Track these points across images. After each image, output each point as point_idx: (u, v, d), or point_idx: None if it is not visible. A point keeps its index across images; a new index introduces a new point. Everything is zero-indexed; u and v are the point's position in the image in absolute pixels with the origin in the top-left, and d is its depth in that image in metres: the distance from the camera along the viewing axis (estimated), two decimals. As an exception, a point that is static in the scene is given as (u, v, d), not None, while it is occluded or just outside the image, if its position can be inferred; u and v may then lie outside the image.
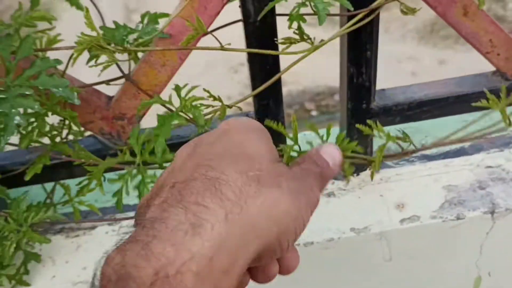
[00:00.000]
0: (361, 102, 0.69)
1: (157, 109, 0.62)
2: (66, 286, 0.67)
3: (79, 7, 0.56)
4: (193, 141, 0.38)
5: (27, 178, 0.62)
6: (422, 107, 0.71)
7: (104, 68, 0.55)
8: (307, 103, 2.13)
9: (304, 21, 0.56)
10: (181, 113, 0.57)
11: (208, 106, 0.59)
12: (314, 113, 2.10)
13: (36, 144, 0.64)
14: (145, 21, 0.60)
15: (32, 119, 0.59)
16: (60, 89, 0.52)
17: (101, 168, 0.63)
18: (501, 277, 0.77)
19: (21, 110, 0.50)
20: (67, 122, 0.65)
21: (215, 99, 0.59)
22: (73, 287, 0.67)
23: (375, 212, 0.72)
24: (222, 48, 0.57)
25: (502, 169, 0.76)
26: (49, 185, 0.74)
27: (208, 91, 0.58)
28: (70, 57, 0.56)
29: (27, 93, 0.50)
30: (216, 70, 2.12)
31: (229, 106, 0.61)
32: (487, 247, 0.74)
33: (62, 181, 0.71)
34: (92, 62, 0.56)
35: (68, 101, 0.52)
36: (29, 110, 0.52)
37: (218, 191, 0.32)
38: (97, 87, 0.65)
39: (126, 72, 0.63)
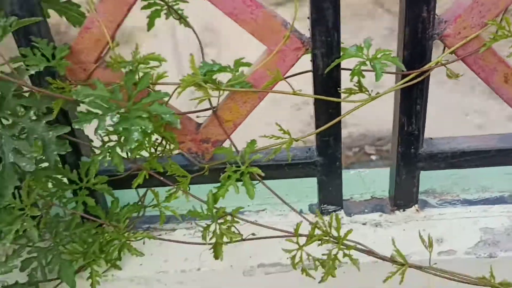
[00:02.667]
0: (410, 148, 0.80)
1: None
2: (151, 273, 0.82)
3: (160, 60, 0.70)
4: None
5: (134, 186, 0.78)
6: (464, 157, 0.81)
7: (201, 101, 0.71)
8: (367, 147, 2.21)
9: (363, 76, 0.69)
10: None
11: (277, 137, 0.72)
12: (373, 157, 2.17)
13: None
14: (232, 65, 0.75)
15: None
16: (167, 115, 0.68)
17: (187, 179, 0.77)
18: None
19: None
20: (163, 142, 0.81)
21: (284, 132, 0.72)
22: (156, 275, 0.82)
23: (416, 244, 0.81)
24: (295, 93, 0.70)
25: (537, 219, 0.83)
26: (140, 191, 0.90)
27: (279, 125, 0.72)
28: (174, 91, 0.72)
29: (143, 115, 0.66)
30: (281, 106, 2.26)
31: (296, 140, 0.74)
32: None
33: (152, 188, 0.87)
34: (191, 96, 0.72)
35: (171, 125, 0.68)
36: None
37: None
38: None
39: (214, 104, 0.78)
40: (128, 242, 0.78)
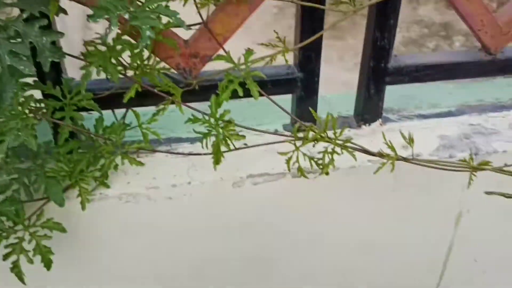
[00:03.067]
0: (380, 62, 0.88)
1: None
2: (140, 189, 0.82)
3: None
4: None
5: (125, 100, 0.77)
6: (426, 70, 0.91)
7: (202, 6, 0.72)
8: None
9: (354, -15, 0.75)
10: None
11: (274, 45, 0.76)
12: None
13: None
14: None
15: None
16: (173, 17, 0.68)
17: (180, 91, 0.79)
18: (479, 214, 0.97)
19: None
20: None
21: (280, 40, 0.76)
22: (146, 191, 0.82)
23: (385, 151, 0.90)
24: (291, 0, 0.75)
25: (481, 127, 0.96)
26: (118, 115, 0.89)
27: (277, 32, 0.76)
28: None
29: (152, 16, 0.66)
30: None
31: (290, 50, 0.78)
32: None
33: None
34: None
35: (179, 26, 0.69)
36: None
37: None
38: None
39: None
40: (125, 153, 0.77)
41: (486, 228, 1.00)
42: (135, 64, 0.78)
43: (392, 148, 0.77)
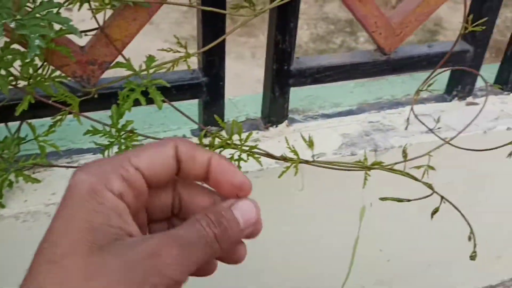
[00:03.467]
0: (283, 65, 0.90)
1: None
2: (39, 207, 0.77)
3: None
4: None
5: (17, 113, 0.71)
6: (326, 72, 0.93)
7: (97, 12, 0.69)
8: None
9: (253, -10, 0.75)
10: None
11: (175, 50, 0.74)
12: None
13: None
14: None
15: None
16: (65, 25, 0.64)
17: (77, 101, 0.75)
18: (381, 206, 1.02)
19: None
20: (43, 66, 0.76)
21: (181, 45, 0.75)
22: (46, 208, 0.77)
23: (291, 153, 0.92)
24: (190, 5, 0.73)
25: (380, 124, 1.01)
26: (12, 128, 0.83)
27: (177, 37, 0.74)
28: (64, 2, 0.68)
29: (41, 23, 0.62)
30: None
31: (192, 55, 0.77)
32: (370, 181, 0.98)
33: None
34: (82, 6, 0.69)
35: (72, 33, 0.65)
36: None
37: None
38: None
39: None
40: (19, 170, 0.72)
41: (388, 220, 1.06)
42: (27, 75, 0.73)
43: (294, 152, 0.78)
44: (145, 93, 0.73)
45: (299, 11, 0.85)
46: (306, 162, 0.81)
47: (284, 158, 0.80)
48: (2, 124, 0.81)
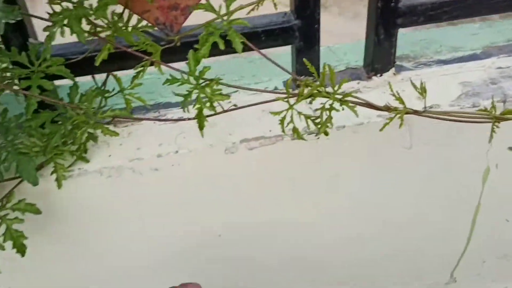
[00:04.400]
0: (389, 1, 0.76)
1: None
2: (123, 162, 0.74)
3: None
4: None
5: (96, 63, 0.68)
6: (443, 8, 0.78)
7: None
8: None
9: None
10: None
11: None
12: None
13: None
14: None
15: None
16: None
17: (159, 50, 0.69)
18: (508, 167, 0.86)
19: None
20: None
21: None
22: (130, 163, 0.74)
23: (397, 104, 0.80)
24: None
25: (511, 70, 0.84)
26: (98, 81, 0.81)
27: (261, -27, 0.65)
28: None
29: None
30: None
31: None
32: (496, 138, 0.82)
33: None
34: None
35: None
36: None
37: None
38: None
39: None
40: (98, 123, 0.69)
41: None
42: (107, 22, 0.69)
43: (400, 100, 0.66)
44: (225, 38, 0.65)
45: None
46: (415, 112, 0.68)
47: (387, 108, 0.69)
48: (90, 78, 0.79)
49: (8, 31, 0.70)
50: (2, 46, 0.72)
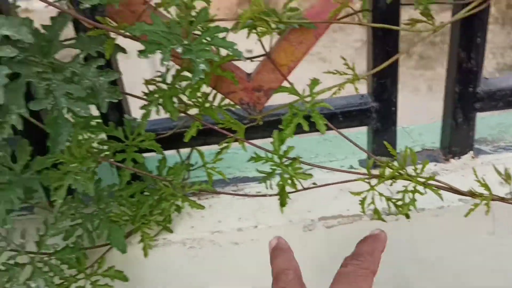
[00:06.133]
0: (468, 87, 0.78)
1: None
2: (205, 234, 0.77)
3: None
4: None
5: (186, 139, 0.72)
6: (523, 93, 0.79)
7: (262, 35, 0.67)
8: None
9: (433, 1, 0.66)
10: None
11: (342, 73, 0.69)
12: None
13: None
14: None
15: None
16: (230, 49, 0.64)
17: (243, 128, 0.73)
18: None
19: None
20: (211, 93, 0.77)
21: (348, 67, 0.69)
22: (211, 236, 0.76)
23: (479, 188, 0.79)
24: (360, 23, 0.68)
25: None
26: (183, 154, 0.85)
27: (344, 59, 0.69)
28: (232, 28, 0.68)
29: (206, 48, 0.62)
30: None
31: (360, 78, 0.71)
32: None
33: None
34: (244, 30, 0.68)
35: (236, 57, 0.64)
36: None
37: None
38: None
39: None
40: (185, 196, 0.72)
41: None
42: (195, 101, 0.74)
43: (485, 186, 0.66)
44: (308, 119, 0.68)
45: (487, 24, 0.74)
46: (502, 199, 0.68)
47: (472, 194, 0.68)
48: (174, 151, 0.84)
49: (108, 108, 0.77)
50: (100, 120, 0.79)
